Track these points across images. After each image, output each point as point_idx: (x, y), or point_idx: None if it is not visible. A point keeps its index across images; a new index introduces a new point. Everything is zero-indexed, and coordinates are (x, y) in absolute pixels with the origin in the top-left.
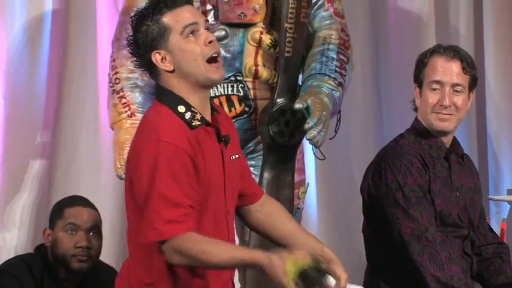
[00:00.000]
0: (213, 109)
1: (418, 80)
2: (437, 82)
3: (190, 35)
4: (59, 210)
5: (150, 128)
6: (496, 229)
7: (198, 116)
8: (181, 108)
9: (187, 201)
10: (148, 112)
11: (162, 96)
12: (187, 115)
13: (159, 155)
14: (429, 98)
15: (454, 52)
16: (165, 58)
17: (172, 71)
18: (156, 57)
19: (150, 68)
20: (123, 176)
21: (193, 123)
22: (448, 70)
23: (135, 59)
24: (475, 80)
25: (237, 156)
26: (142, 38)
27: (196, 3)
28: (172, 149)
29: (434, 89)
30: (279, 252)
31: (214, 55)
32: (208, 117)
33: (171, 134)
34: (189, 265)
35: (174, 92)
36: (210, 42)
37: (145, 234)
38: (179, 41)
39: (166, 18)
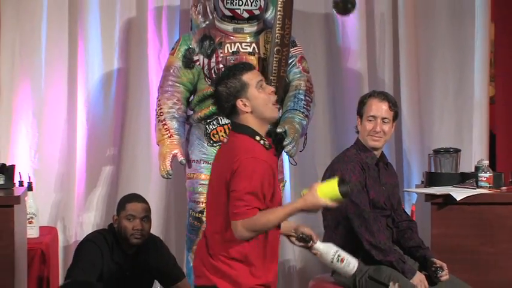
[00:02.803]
0: None
1: (360, 113)
2: (372, 116)
3: (260, 88)
4: (122, 204)
5: (246, 148)
6: (408, 210)
7: (267, 142)
8: (257, 137)
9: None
10: (235, 139)
11: (240, 129)
12: (262, 141)
13: (256, 168)
14: (366, 126)
15: (383, 96)
16: (246, 104)
17: (250, 112)
18: (239, 103)
19: (231, 110)
20: (165, 176)
21: (267, 147)
22: (380, 108)
23: (218, 106)
24: (397, 115)
25: None
26: (227, 91)
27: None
28: (265, 165)
29: (370, 120)
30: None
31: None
32: None
33: (263, 154)
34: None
35: (249, 126)
36: (272, 92)
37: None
38: (255, 92)
39: (245, 77)
